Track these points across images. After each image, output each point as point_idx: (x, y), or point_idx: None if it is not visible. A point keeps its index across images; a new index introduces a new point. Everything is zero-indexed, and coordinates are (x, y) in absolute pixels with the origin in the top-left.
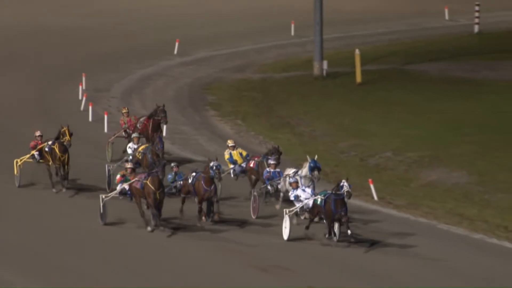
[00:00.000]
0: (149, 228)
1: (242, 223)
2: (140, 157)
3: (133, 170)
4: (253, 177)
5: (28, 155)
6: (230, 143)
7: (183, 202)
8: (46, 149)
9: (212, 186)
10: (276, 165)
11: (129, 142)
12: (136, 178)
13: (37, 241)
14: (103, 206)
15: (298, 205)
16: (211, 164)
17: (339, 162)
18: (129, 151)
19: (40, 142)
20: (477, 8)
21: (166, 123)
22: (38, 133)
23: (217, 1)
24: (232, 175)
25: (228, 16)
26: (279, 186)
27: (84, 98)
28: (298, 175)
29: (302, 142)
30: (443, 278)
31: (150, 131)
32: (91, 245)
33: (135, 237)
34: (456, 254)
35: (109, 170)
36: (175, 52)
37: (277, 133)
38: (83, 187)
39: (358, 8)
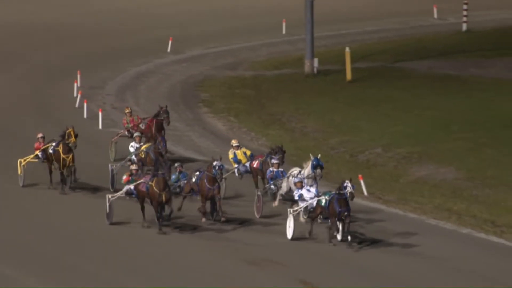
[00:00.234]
0: (145, 224)
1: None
2: (143, 156)
3: (137, 171)
4: (259, 177)
5: (32, 155)
6: (234, 143)
7: (183, 198)
8: (50, 150)
9: (216, 185)
10: (279, 165)
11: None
12: (142, 180)
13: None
14: (110, 206)
15: (302, 204)
16: (214, 163)
17: (330, 158)
18: (131, 149)
19: (43, 143)
20: (465, 7)
21: (168, 123)
22: (40, 135)
23: (209, 0)
24: (236, 174)
25: (220, 14)
26: (283, 187)
27: (79, 95)
28: (301, 174)
29: (293, 139)
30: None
31: (153, 132)
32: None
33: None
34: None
35: (112, 170)
36: (169, 50)
37: (269, 130)
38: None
39: (349, 6)
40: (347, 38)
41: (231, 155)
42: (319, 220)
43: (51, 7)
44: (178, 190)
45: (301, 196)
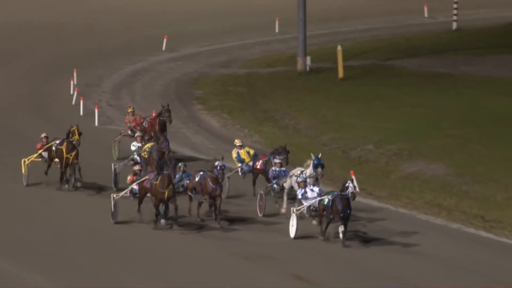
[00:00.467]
0: (138, 215)
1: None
2: (146, 156)
3: (141, 171)
4: (262, 176)
5: (35, 155)
6: (237, 142)
7: (190, 200)
8: (53, 148)
9: (218, 185)
10: (281, 164)
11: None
12: (147, 177)
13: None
14: (114, 205)
15: (305, 204)
16: (216, 163)
17: (322, 155)
18: (133, 148)
19: (45, 143)
20: (455, 5)
21: (170, 122)
22: (43, 135)
23: None
24: (240, 174)
25: (214, 13)
26: (285, 185)
27: (75, 93)
28: (304, 174)
29: (286, 135)
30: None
31: (157, 131)
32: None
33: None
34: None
35: (115, 169)
36: (163, 48)
37: (262, 126)
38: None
39: (340, 5)
40: (339, 37)
41: (234, 155)
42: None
43: (47, 6)
44: (181, 189)
45: (304, 195)
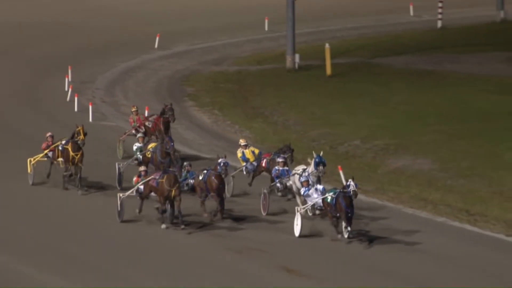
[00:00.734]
0: (136, 211)
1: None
2: (150, 156)
3: (146, 171)
4: (266, 173)
5: (41, 154)
6: (242, 142)
7: (203, 204)
8: (60, 148)
9: (222, 182)
10: (284, 163)
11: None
12: (152, 176)
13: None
14: (121, 204)
15: (309, 202)
16: (219, 161)
17: (311, 150)
18: (134, 148)
19: (51, 143)
20: (440, 4)
21: (174, 120)
22: (49, 134)
23: None
24: (244, 173)
25: (205, 12)
26: (288, 184)
27: (70, 90)
28: (306, 173)
29: (275, 131)
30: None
31: (161, 130)
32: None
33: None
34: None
35: (119, 168)
36: (156, 46)
37: (252, 123)
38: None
39: (328, 4)
40: (327, 35)
41: (239, 154)
42: (316, 212)
43: (42, 5)
44: (186, 188)
45: (306, 193)
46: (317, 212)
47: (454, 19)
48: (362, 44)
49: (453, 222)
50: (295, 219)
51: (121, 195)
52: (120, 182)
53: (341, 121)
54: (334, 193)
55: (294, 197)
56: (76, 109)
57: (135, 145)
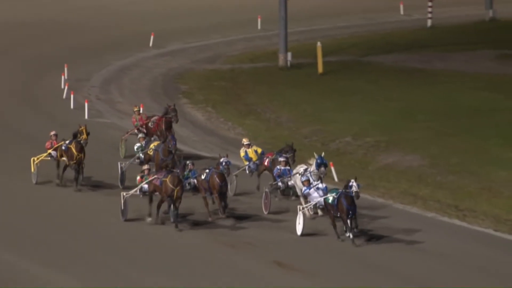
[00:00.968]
0: (148, 220)
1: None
2: (152, 154)
3: (150, 170)
4: (267, 172)
5: (45, 154)
6: (245, 141)
7: (206, 204)
8: (63, 147)
9: (224, 182)
10: (286, 163)
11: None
12: (156, 176)
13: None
14: (124, 203)
15: (311, 202)
16: (221, 160)
17: (303, 147)
18: (135, 148)
19: (55, 142)
20: (429, 4)
21: (177, 121)
22: (53, 133)
23: None
24: (247, 172)
25: (199, 11)
26: (290, 184)
27: (66, 87)
28: (308, 172)
29: (268, 128)
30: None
31: (163, 130)
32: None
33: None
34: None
35: (121, 168)
36: (151, 44)
37: (245, 120)
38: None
39: (320, 3)
40: (319, 33)
41: (242, 153)
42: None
43: (38, 4)
44: (188, 187)
45: (308, 192)
46: (319, 211)
47: (444, 18)
48: (353, 43)
49: (443, 217)
50: (298, 218)
51: (124, 194)
52: (122, 181)
53: (332, 118)
54: (336, 193)
55: (298, 196)
56: (72, 106)
57: (136, 145)
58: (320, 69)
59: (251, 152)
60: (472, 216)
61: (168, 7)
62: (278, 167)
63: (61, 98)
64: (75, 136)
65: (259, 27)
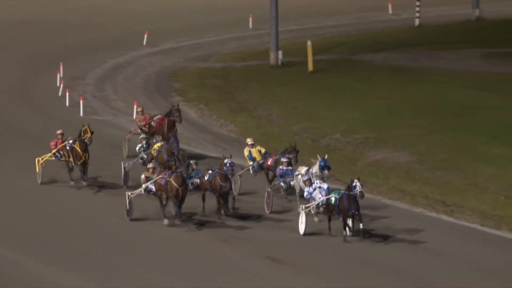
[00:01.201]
0: (165, 221)
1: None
2: (155, 154)
3: (154, 169)
4: (271, 173)
5: (49, 154)
6: (249, 141)
7: (203, 199)
8: (67, 147)
9: (228, 182)
10: (288, 163)
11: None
12: (161, 176)
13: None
14: (129, 202)
15: (314, 202)
16: (225, 161)
17: (293, 143)
18: (137, 148)
19: (61, 141)
20: (417, 3)
21: (180, 121)
22: (59, 131)
23: None
24: (251, 171)
25: (192, 10)
26: (292, 183)
27: (61, 85)
28: (310, 172)
29: (259, 125)
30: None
31: (165, 130)
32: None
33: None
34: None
35: (125, 167)
36: (144, 43)
37: (237, 117)
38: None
39: (310, 3)
40: (309, 32)
41: (246, 153)
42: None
43: (34, 4)
44: (191, 187)
45: (310, 193)
46: (321, 210)
47: (431, 17)
48: (342, 41)
49: (430, 213)
50: (300, 217)
51: (129, 193)
52: (125, 181)
53: (322, 115)
54: (338, 194)
55: (302, 196)
56: (67, 104)
57: (138, 146)
58: (310, 67)
59: (255, 152)
60: (459, 212)
61: (162, 6)
62: (280, 167)
63: (57, 96)
64: (79, 135)
65: (250, 26)
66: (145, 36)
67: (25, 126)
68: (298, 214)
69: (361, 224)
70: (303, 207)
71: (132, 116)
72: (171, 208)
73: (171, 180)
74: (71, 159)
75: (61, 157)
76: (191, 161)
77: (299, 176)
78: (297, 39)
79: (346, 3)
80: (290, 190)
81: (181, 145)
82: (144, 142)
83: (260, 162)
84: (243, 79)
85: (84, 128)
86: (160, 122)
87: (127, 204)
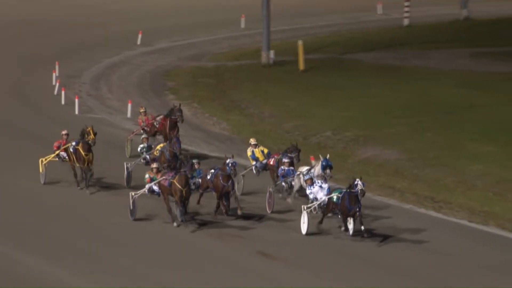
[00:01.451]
0: (175, 224)
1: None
2: (158, 155)
3: (158, 169)
4: (275, 173)
5: (53, 155)
6: (252, 141)
7: (200, 195)
8: (71, 149)
9: (230, 182)
10: (290, 163)
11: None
12: (164, 177)
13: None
14: (133, 203)
15: (316, 202)
16: (228, 161)
17: (285, 141)
18: (139, 149)
19: (64, 141)
20: (407, 3)
21: (182, 121)
22: (64, 132)
23: None
24: (254, 171)
25: (185, 10)
26: (293, 183)
27: (57, 84)
28: (311, 173)
29: (251, 123)
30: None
31: (168, 130)
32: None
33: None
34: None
35: (127, 168)
36: (138, 42)
37: (229, 115)
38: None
39: (302, 3)
40: (301, 32)
41: (249, 153)
42: (329, 214)
43: (30, 3)
44: (193, 187)
45: (311, 193)
46: (322, 209)
47: (420, 17)
48: (333, 41)
49: (419, 209)
50: (302, 217)
51: (133, 194)
52: (128, 181)
53: (313, 113)
54: (340, 193)
55: (306, 196)
56: (63, 102)
57: (140, 146)
58: (301, 66)
59: (257, 152)
60: (448, 208)
61: (156, 6)
62: (282, 167)
63: (53, 94)
64: (82, 136)
65: (243, 26)
66: (139, 35)
67: (21, 124)
68: (299, 214)
69: (362, 227)
70: (305, 207)
71: (127, 114)
72: (175, 209)
73: (175, 181)
74: (76, 163)
75: (64, 158)
76: (194, 160)
77: (300, 176)
78: (289, 39)
79: (337, 3)
80: (290, 190)
81: (183, 146)
82: (145, 142)
83: (263, 162)
84: (235, 78)
85: (87, 129)
86: (163, 123)
87: (131, 204)
